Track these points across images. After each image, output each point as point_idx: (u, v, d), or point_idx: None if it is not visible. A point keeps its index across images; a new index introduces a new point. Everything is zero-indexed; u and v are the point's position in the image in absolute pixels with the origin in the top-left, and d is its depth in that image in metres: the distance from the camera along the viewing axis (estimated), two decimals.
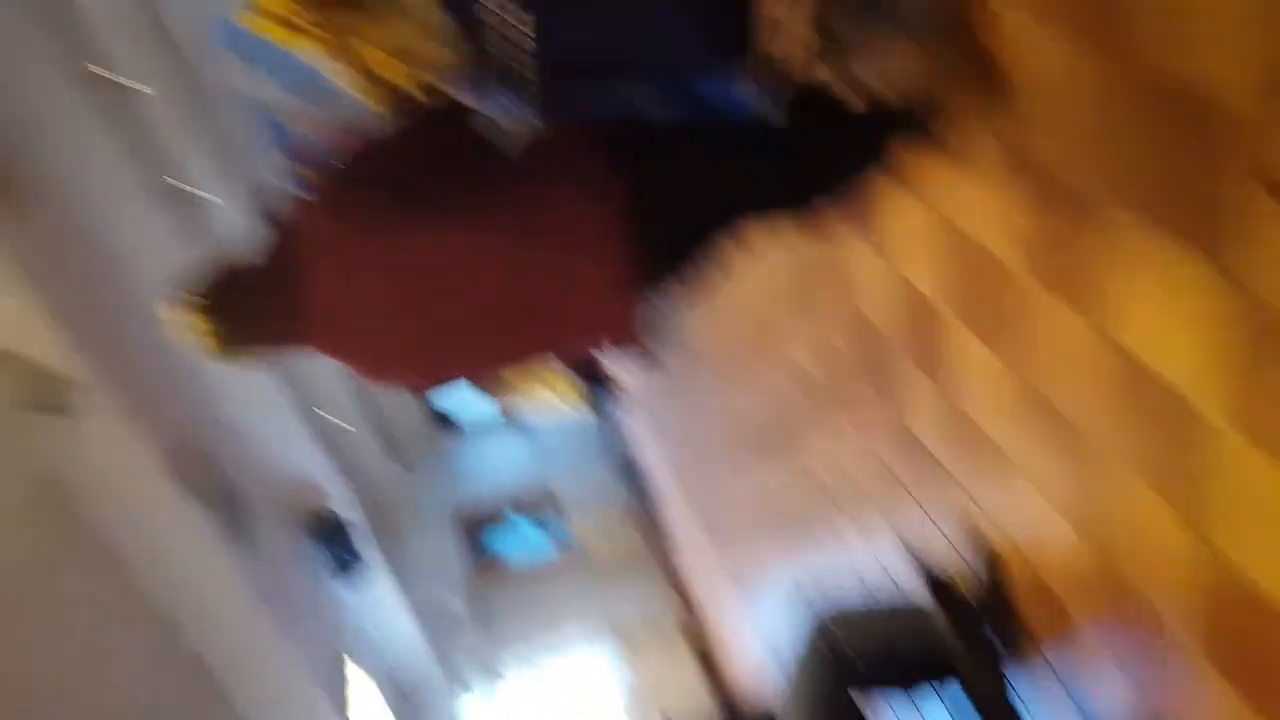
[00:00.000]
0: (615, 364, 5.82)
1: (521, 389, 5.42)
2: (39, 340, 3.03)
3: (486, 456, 10.45)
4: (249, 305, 1.73)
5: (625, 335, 1.77)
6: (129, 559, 3.52)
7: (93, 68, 4.92)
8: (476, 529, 9.97)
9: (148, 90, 5.37)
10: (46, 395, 3.01)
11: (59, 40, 4.09)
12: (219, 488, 4.74)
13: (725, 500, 5.16)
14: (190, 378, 5.12)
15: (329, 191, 1.74)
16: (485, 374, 1.97)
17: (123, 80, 5.17)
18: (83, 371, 3.11)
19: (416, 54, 1.80)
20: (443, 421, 10.79)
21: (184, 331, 1.77)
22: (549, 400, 5.45)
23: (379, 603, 6.85)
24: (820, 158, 1.82)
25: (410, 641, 7.28)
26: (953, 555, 2.40)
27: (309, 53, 1.89)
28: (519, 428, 10.34)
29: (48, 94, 4.03)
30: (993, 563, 2.27)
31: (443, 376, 1.89)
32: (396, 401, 10.02)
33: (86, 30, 4.83)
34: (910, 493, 2.67)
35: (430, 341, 1.74)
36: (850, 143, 1.85)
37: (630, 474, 8.87)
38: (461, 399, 10.47)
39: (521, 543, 9.93)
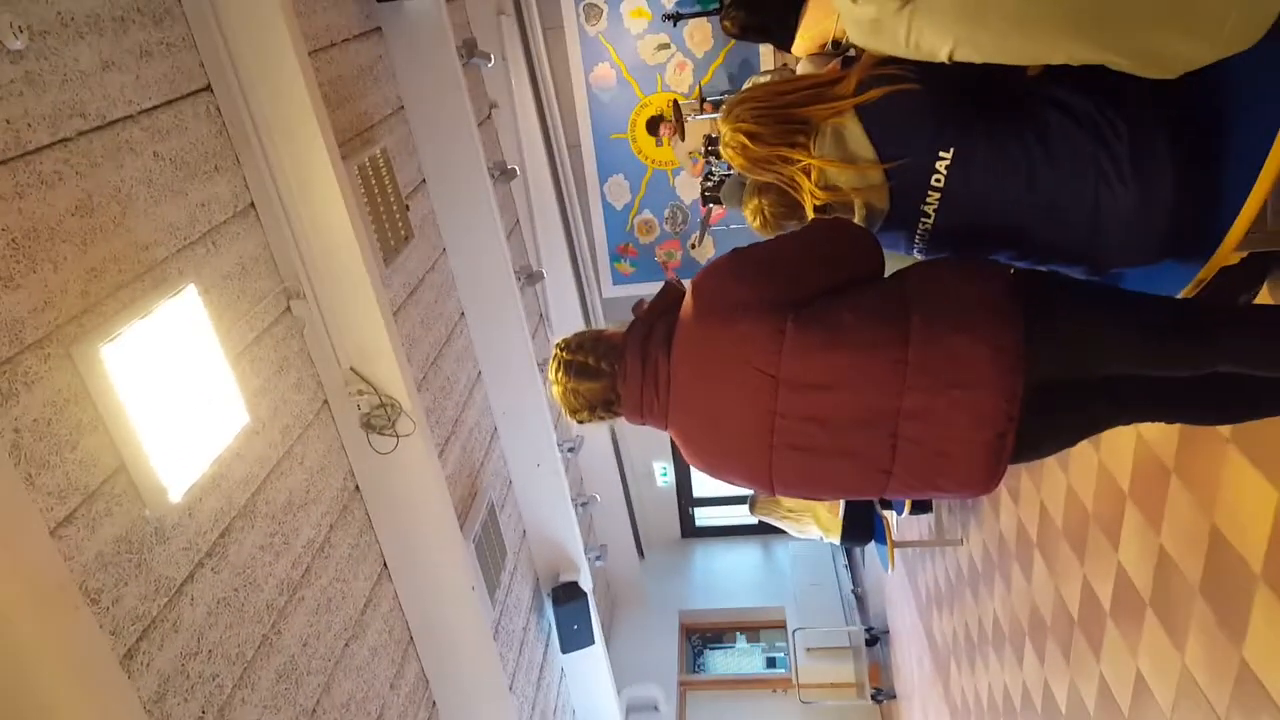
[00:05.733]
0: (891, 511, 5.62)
1: (790, 513, 5.34)
2: (386, 367, 3.44)
3: (722, 564, 10.44)
4: (609, 371, 1.77)
5: (984, 491, 1.62)
6: (395, 568, 3.88)
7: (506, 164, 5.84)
8: (697, 634, 9.99)
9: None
10: (381, 418, 3.45)
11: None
12: (488, 532, 5.16)
13: (981, 687, 4.81)
14: (494, 437, 5.68)
15: (708, 281, 1.70)
16: (818, 496, 1.85)
17: (516, 171, 5.96)
18: (412, 405, 3.49)
19: (844, 193, 1.80)
20: (690, 522, 10.96)
21: (550, 385, 1.83)
22: (811, 530, 5.32)
23: (592, 680, 6.98)
24: (1243, 359, 1.58)
25: None
26: None
27: (735, 165, 1.92)
28: (762, 542, 10.29)
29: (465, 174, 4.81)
30: None
31: (783, 490, 1.74)
32: (654, 495, 10.34)
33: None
34: None
35: (790, 458, 1.65)
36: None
37: (865, 619, 8.57)
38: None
39: (737, 658, 9.83)
